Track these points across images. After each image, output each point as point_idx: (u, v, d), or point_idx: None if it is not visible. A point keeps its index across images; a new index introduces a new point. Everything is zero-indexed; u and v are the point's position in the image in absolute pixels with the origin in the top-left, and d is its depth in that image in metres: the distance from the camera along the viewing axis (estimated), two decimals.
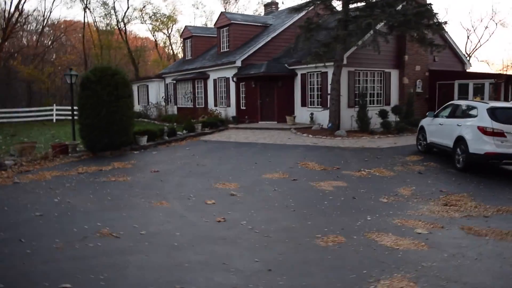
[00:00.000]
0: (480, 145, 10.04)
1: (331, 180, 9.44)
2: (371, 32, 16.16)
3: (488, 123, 10.02)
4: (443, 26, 16.72)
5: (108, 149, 13.42)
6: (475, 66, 57.25)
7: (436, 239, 5.87)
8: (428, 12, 15.86)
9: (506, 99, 18.66)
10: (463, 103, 11.94)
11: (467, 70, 23.62)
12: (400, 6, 16.80)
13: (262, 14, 34.24)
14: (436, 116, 12.87)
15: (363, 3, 17.53)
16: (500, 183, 9.50)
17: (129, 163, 11.83)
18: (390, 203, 7.71)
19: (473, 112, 10.80)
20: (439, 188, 8.80)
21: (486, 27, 47.21)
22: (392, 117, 18.30)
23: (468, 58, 42.76)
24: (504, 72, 34.75)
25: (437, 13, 17.75)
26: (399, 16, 15.48)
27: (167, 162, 11.92)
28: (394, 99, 20.41)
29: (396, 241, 5.69)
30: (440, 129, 12.23)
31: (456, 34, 67.45)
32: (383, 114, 18.08)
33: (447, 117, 12.12)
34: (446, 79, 20.67)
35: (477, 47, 43.84)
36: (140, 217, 6.91)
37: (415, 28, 15.71)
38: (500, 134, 9.81)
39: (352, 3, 17.61)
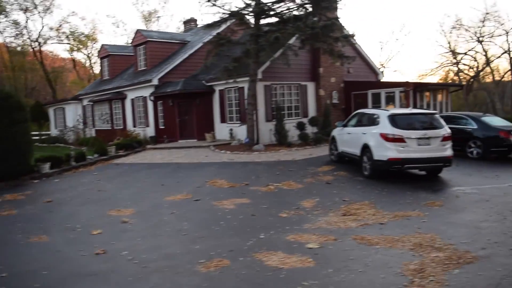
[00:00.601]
0: (383, 152, 10.17)
1: (236, 197, 9.04)
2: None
3: (389, 129, 10.18)
4: (351, 38, 17.20)
5: (4, 179, 12.21)
6: (390, 76, 60.51)
7: (325, 253, 5.62)
8: (334, 25, 16.21)
9: (415, 106, 19.51)
10: (368, 111, 12.16)
11: (381, 80, 24.60)
12: (311, 20, 17.06)
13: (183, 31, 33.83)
14: (345, 125, 13.00)
15: (276, 18, 17.60)
16: (403, 187, 9.61)
17: (23, 194, 10.74)
18: (289, 217, 7.43)
19: (376, 120, 10.96)
20: (342, 198, 8.69)
21: (397, 39, 49.72)
22: (310, 129, 18.45)
23: (382, 68, 45.13)
24: (413, 80, 36.75)
25: (344, 27, 18.32)
26: (308, 29, 15.66)
27: (66, 190, 10.96)
28: (312, 111, 20.66)
29: (283, 260, 5.35)
30: (348, 138, 12.34)
31: (370, 46, 71.25)
32: (300, 126, 18.18)
33: (354, 126, 12.27)
34: (360, 89, 21.32)
35: (390, 58, 46.31)
36: (9, 256, 6.09)
37: (323, 41, 15.98)
38: (400, 139, 9.98)
39: (264, 18, 17.64)
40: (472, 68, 57.26)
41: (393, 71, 61.43)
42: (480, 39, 53.54)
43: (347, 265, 5.14)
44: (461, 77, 62.44)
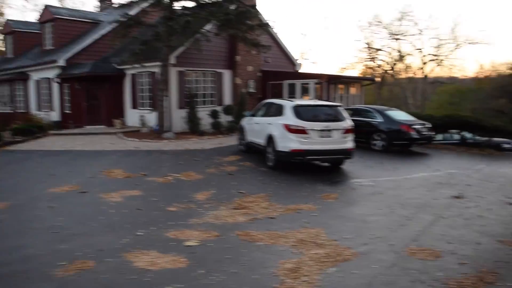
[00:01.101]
0: (286, 143, 10.06)
1: (128, 189, 8.45)
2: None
3: (292, 120, 10.08)
4: (267, 27, 17.01)
5: None
6: (311, 67, 61.90)
7: (203, 251, 5.28)
8: (249, 13, 15.91)
9: (328, 98, 19.88)
10: (275, 102, 12.01)
11: (298, 71, 24.84)
12: (230, 7, 16.58)
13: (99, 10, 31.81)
14: (253, 115, 12.78)
15: (193, 3, 16.87)
16: (303, 179, 9.57)
17: None
18: (177, 211, 7.02)
19: (281, 110, 10.82)
20: (239, 190, 8.43)
21: (318, 32, 51.10)
22: (225, 118, 18.11)
23: (302, 60, 46.10)
24: (330, 73, 37.86)
25: (261, 15, 18.09)
26: (221, 15, 15.20)
27: None
28: (227, 100, 20.31)
29: (155, 260, 4.93)
30: (256, 128, 12.15)
31: (291, 37, 72.51)
32: (214, 114, 17.79)
33: (262, 116, 12.08)
34: (276, 79, 21.31)
35: (310, 50, 47.47)
36: None
37: (237, 28, 15.61)
38: (302, 131, 9.91)
39: (179, 1, 16.87)
40: (389, 63, 60.47)
41: (312, 63, 62.73)
42: (396, 36, 56.56)
43: (221, 265, 4.83)
44: (377, 72, 65.69)
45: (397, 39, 55.95)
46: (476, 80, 64.14)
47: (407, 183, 9.44)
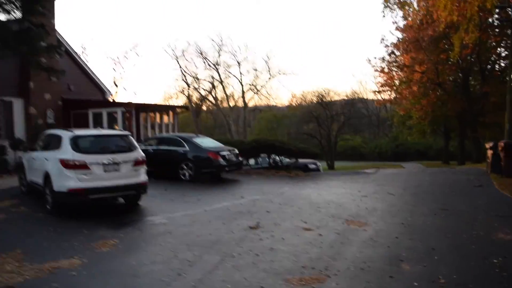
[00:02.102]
0: (63, 181, 8.34)
1: None
2: None
3: (69, 154, 8.45)
4: (58, 50, 14.94)
5: None
6: (126, 96, 59.91)
7: None
8: (33, 33, 13.66)
9: (138, 127, 18.57)
10: (52, 132, 10.18)
11: (108, 99, 23.00)
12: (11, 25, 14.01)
13: None
14: (32, 149, 10.69)
15: None
16: (84, 224, 7.91)
17: None
18: None
19: (58, 142, 9.05)
20: None
21: (127, 58, 48.67)
22: (13, 154, 15.26)
23: (116, 88, 44.00)
24: (134, 101, 36.82)
25: (54, 35, 15.95)
26: None
27: None
28: (20, 133, 17.30)
29: None
30: (34, 164, 10.08)
31: (102, 63, 69.94)
32: (0, 150, 14.84)
33: (41, 150, 10.09)
34: (81, 108, 19.16)
35: (123, 77, 45.77)
36: None
37: (13, 49, 13.21)
38: (83, 166, 8.35)
39: None
40: (210, 92, 62.09)
41: (129, 91, 60.46)
42: (216, 67, 58.62)
43: None
44: (198, 101, 66.93)
45: (217, 69, 58.25)
46: (289, 107, 70.66)
47: (205, 216, 8.62)
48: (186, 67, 56.16)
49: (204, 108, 75.47)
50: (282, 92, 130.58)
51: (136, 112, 19.37)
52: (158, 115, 22.22)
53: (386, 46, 30.08)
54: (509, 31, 23.75)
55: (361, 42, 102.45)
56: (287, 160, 19.54)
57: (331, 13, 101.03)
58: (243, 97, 63.81)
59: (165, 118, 23.54)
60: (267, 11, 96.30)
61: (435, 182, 13.53)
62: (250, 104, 71.91)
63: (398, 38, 30.39)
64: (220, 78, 59.02)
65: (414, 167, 30.84)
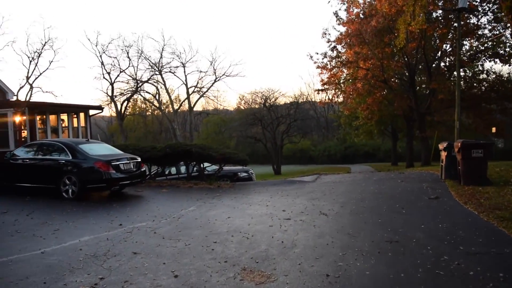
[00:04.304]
0: None
1: None
2: None
3: None
4: None
5: None
6: (40, 96, 54.83)
7: None
8: None
9: (32, 131, 15.04)
10: None
11: (11, 100, 19.19)
12: None
13: None
14: None
15: None
16: None
17: None
18: None
19: None
20: None
21: (40, 55, 43.43)
22: None
23: (28, 88, 39.63)
24: (28, 100, 32.81)
25: None
26: None
27: None
28: None
29: None
30: None
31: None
32: None
33: None
34: None
35: (38, 77, 41.22)
36: None
37: None
38: None
39: None
40: (155, 96, 58.04)
41: (44, 92, 54.78)
42: (161, 69, 54.65)
43: None
44: (142, 103, 62.74)
45: (160, 71, 54.31)
46: (237, 110, 67.57)
47: (26, 268, 5.41)
48: (115, 63, 51.60)
49: (149, 112, 71.37)
50: (230, 95, 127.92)
51: (31, 113, 15.77)
52: (66, 118, 18.66)
53: (329, 41, 27.77)
54: (455, 24, 22.06)
55: (311, 44, 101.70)
56: (214, 167, 16.55)
57: (280, 16, 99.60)
58: (188, 100, 60.28)
59: (75, 120, 19.95)
60: (212, 12, 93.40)
61: (381, 192, 10.92)
62: (198, 107, 68.59)
63: (340, 32, 28.17)
64: (163, 80, 55.15)
65: (361, 170, 28.75)
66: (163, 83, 56.25)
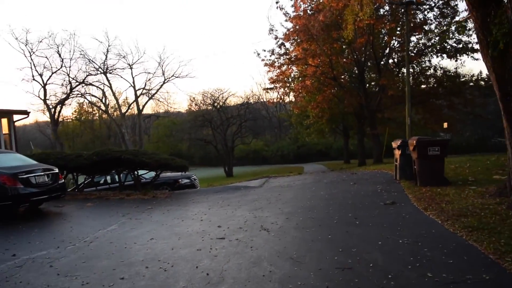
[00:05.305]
0: None
1: None
2: None
3: None
4: None
5: None
6: None
7: None
8: None
9: None
10: None
11: None
12: None
13: None
14: None
15: None
16: None
17: None
18: None
19: None
20: None
21: None
22: None
23: None
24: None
25: None
26: None
27: None
28: None
29: None
30: None
31: None
32: None
33: None
34: None
35: None
36: None
37: None
38: None
39: None
40: (101, 99, 54.99)
41: None
42: (106, 70, 51.74)
43: None
44: (89, 108, 59.51)
45: (105, 72, 51.43)
46: (189, 112, 65.49)
47: None
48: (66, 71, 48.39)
49: (96, 117, 67.71)
50: (181, 97, 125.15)
51: None
52: None
53: (276, 37, 26.65)
54: (404, 18, 21.59)
55: (258, 41, 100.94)
56: (152, 174, 14.97)
57: (229, 15, 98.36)
58: (136, 102, 57.65)
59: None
60: (159, 11, 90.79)
61: (332, 198, 9.79)
62: (148, 110, 65.96)
63: (288, 28, 27.15)
64: (109, 82, 52.30)
65: (314, 169, 27.94)
66: (109, 85, 53.48)
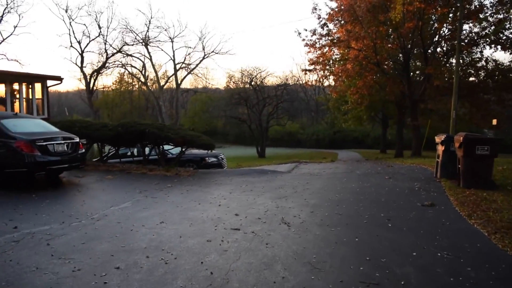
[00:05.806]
0: None
1: None
2: None
3: None
4: None
5: None
6: (4, 65, 51.01)
7: None
8: None
9: None
10: None
11: None
12: None
13: None
14: None
15: None
16: None
17: None
18: None
19: None
20: None
21: (1, 20, 38.90)
22: None
23: None
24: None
25: None
26: None
27: None
28: None
29: None
30: None
31: None
32: None
33: None
34: None
35: (0, 43, 37.97)
36: None
37: None
38: None
39: None
40: (141, 71, 55.26)
41: (9, 60, 49.72)
42: (147, 42, 51.79)
43: None
44: (129, 78, 60.06)
45: (146, 44, 51.49)
46: (226, 89, 65.09)
47: None
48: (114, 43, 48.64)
49: (135, 88, 68.38)
50: (220, 73, 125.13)
51: None
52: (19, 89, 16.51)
53: (319, 17, 25.49)
54: (457, 3, 20.01)
55: (299, 19, 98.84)
56: (175, 151, 14.57)
57: None
58: (175, 76, 57.65)
59: (30, 91, 17.80)
60: None
61: (364, 193, 8.97)
62: (186, 85, 66.05)
63: (332, 8, 25.90)
64: (149, 54, 52.37)
65: (348, 157, 27.00)
66: (149, 57, 53.63)
